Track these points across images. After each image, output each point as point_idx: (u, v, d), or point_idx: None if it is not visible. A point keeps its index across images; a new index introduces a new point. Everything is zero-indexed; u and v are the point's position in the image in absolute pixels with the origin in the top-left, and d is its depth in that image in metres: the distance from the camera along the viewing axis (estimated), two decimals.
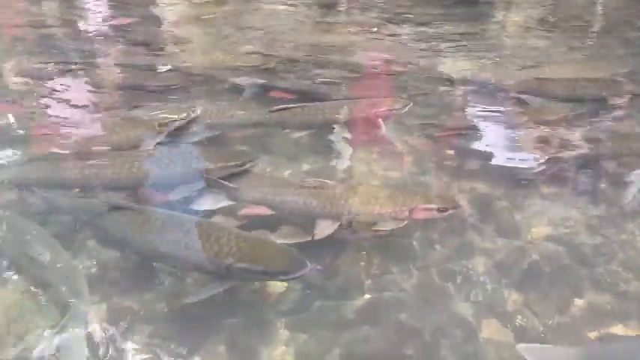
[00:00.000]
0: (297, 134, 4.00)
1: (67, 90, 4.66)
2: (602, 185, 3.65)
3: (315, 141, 4.03)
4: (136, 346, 2.61)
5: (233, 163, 3.46)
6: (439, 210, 3.08)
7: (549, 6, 7.13)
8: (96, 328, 2.65)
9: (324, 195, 3.11)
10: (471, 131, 4.08)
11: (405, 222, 3.04)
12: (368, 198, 3.10)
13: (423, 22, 6.29)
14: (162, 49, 5.66)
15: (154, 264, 2.98)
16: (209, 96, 4.59)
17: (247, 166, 3.49)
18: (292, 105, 4.14)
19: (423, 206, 3.06)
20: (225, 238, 2.71)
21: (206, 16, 6.81)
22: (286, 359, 2.61)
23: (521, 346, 2.53)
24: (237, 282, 2.76)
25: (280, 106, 4.11)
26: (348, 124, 4.05)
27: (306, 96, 4.41)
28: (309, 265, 2.59)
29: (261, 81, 4.70)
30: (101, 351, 2.56)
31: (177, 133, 3.91)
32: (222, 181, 3.22)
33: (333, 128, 4.05)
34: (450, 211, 3.11)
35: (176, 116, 3.96)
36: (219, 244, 2.68)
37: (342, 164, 3.86)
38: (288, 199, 3.15)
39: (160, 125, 3.86)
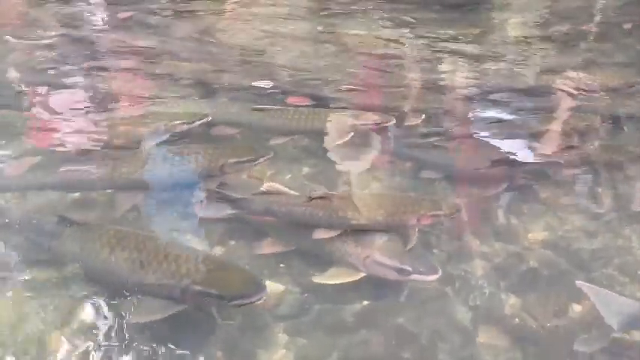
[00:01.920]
0: (274, 141, 3.89)
1: (71, 91, 4.67)
2: (600, 191, 3.68)
3: (314, 144, 4.02)
4: (133, 351, 2.59)
5: (246, 159, 3.48)
6: (445, 216, 3.14)
7: (547, 8, 7.16)
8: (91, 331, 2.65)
9: (331, 204, 3.09)
10: (470, 137, 4.10)
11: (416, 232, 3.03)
12: (376, 206, 3.10)
13: (423, 27, 6.29)
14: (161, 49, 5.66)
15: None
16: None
17: (260, 161, 3.50)
18: (272, 107, 4.13)
19: (431, 213, 3.10)
20: (182, 258, 2.65)
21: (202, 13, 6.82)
22: None
23: (580, 283, 2.48)
24: (191, 305, 2.64)
25: (261, 106, 4.10)
26: (326, 134, 4.00)
27: (325, 104, 4.37)
28: (266, 289, 2.59)
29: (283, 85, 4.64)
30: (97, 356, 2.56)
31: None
32: (226, 191, 3.19)
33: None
34: (454, 215, 3.18)
35: (186, 120, 3.94)
36: (176, 264, 2.62)
37: (340, 170, 3.84)
38: (295, 209, 3.12)
39: (165, 127, 3.87)
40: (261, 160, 3.50)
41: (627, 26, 6.22)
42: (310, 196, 3.12)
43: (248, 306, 2.79)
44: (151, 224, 3.34)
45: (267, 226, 3.18)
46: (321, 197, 3.11)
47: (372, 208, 3.08)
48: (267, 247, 3.09)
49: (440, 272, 2.85)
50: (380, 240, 2.97)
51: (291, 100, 4.44)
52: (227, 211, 3.12)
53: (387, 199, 3.23)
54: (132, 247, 2.72)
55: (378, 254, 2.88)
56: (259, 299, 2.58)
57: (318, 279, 2.89)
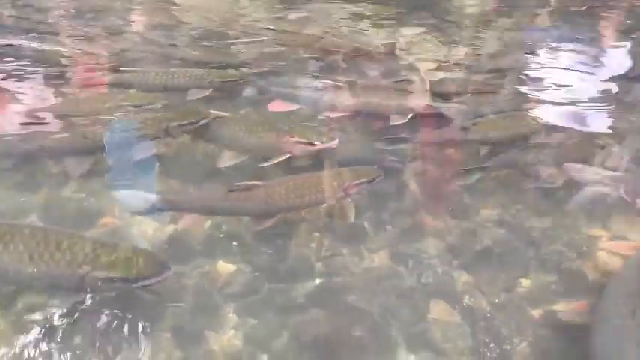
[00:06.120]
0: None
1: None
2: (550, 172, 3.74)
3: None
4: (79, 336, 2.50)
5: (187, 122, 3.52)
6: (368, 182, 3.23)
7: None
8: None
9: (258, 193, 3.05)
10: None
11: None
12: (302, 188, 3.11)
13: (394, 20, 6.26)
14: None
15: None
16: None
17: (202, 122, 3.53)
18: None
19: (355, 182, 3.18)
20: (78, 245, 2.54)
21: None
22: (234, 344, 2.57)
23: None
24: (94, 292, 2.56)
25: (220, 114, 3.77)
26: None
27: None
28: (171, 267, 2.57)
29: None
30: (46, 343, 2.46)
31: None
32: (146, 194, 3.10)
33: None
34: (377, 180, 3.26)
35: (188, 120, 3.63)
36: (72, 252, 2.51)
37: None
38: (221, 204, 3.09)
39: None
40: (203, 121, 3.51)
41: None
42: (231, 189, 3.07)
43: (194, 286, 2.78)
44: (103, 205, 3.23)
45: None
46: (243, 189, 3.06)
47: (299, 190, 3.09)
48: None
49: None
50: None
51: (271, 106, 4.10)
52: (155, 211, 3.05)
53: (310, 179, 3.20)
54: (17, 240, 2.52)
55: None
56: (164, 278, 2.56)
57: None
